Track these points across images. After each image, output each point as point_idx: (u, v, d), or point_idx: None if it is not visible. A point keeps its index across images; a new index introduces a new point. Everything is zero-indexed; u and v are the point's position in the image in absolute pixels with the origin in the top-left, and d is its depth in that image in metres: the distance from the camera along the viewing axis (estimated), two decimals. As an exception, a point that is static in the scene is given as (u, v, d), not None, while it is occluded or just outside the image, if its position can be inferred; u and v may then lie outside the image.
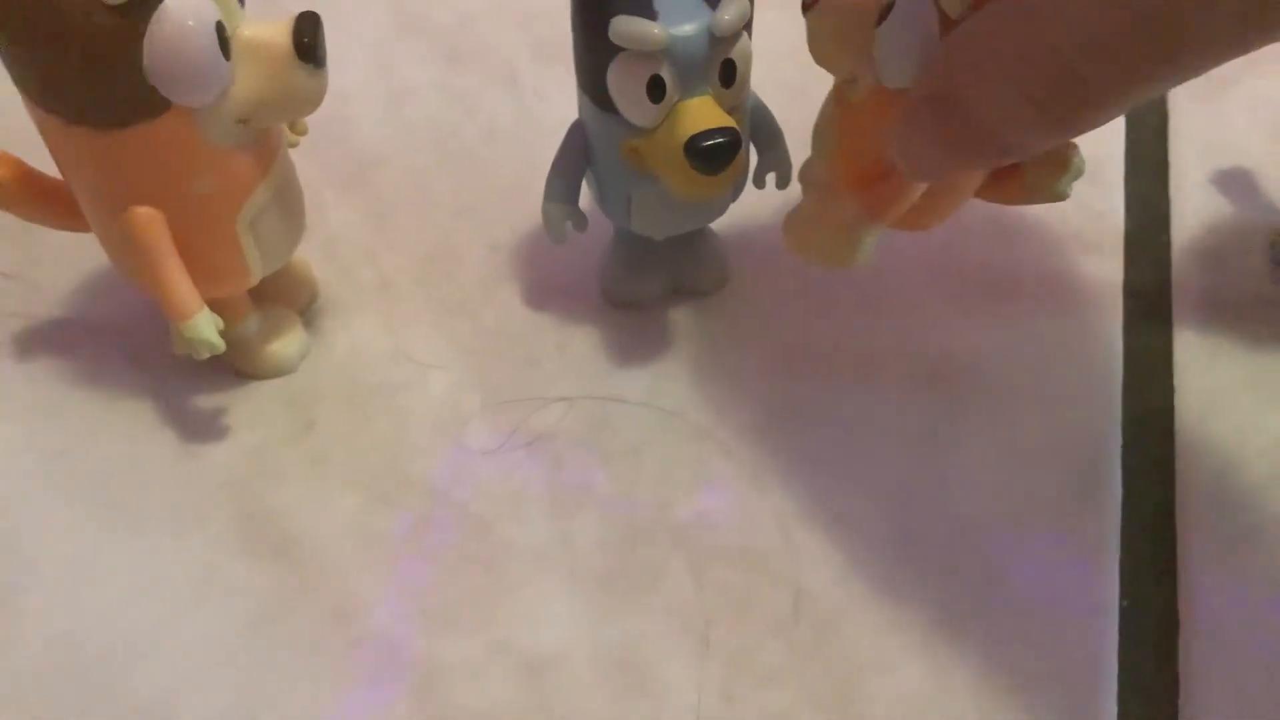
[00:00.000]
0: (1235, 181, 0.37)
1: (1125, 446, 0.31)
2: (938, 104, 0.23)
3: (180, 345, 0.27)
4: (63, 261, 0.34)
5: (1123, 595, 0.28)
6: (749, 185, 0.32)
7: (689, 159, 0.26)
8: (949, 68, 0.22)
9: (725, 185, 0.28)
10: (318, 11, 0.26)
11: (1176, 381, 0.32)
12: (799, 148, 0.31)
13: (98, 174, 0.26)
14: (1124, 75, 0.20)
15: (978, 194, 0.31)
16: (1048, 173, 0.30)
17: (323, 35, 0.25)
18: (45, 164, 0.28)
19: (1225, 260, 0.35)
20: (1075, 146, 0.30)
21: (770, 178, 0.32)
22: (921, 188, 0.28)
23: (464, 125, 0.38)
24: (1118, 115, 0.22)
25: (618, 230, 0.33)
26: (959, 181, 0.29)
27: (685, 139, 0.26)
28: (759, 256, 0.35)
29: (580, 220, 0.31)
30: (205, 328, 0.27)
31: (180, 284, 0.26)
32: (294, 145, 0.31)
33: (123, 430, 0.31)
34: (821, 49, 0.28)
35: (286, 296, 0.32)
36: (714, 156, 0.26)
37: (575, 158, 0.30)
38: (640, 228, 0.31)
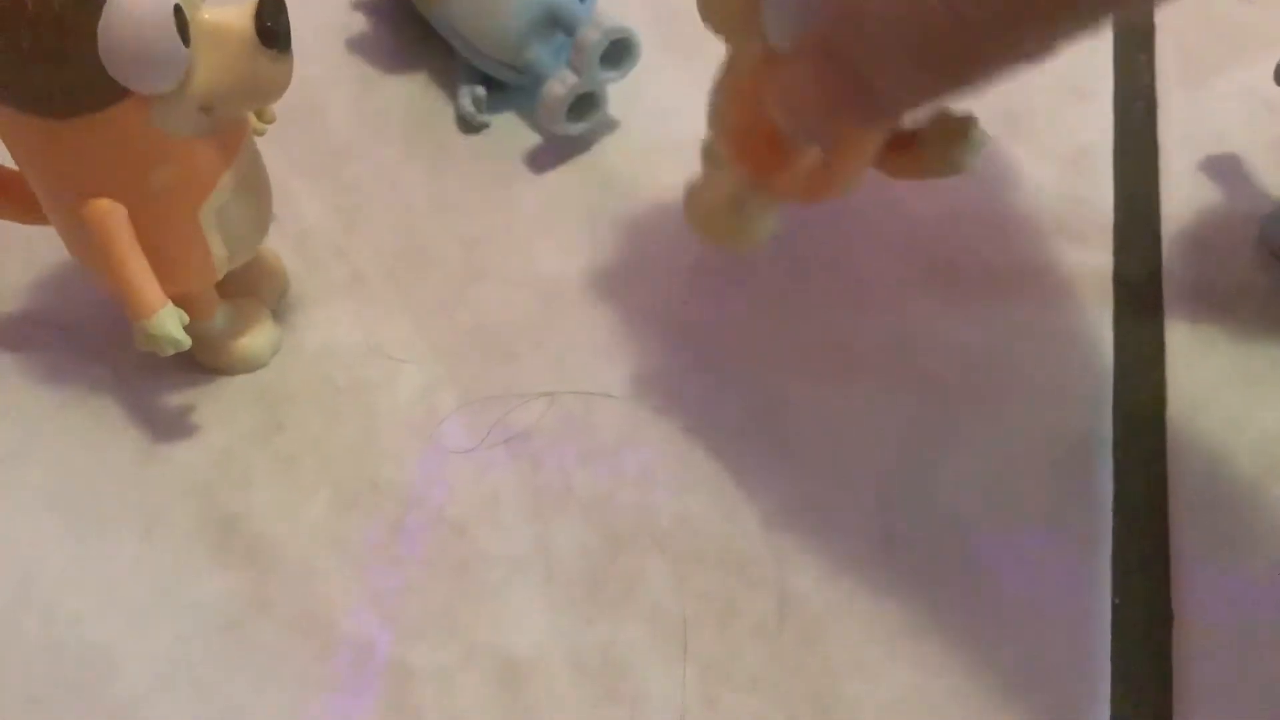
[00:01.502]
0: (1224, 169, 0.36)
1: (1116, 441, 0.30)
2: (818, 58, 0.22)
3: (143, 342, 0.26)
4: (21, 254, 0.33)
5: (1114, 592, 0.28)
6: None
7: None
8: (829, 19, 0.21)
9: None
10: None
11: (1168, 375, 0.32)
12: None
13: (53, 165, 0.25)
14: (1005, 14, 0.19)
15: (878, 167, 0.30)
16: (943, 143, 0.29)
17: (287, 19, 0.24)
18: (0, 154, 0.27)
19: (1215, 249, 0.34)
20: (973, 119, 0.29)
21: None
22: (810, 154, 0.27)
23: (438, 115, 0.37)
24: (1004, 70, 0.20)
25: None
26: (850, 147, 0.28)
27: None
28: (745, 257, 0.34)
29: None
30: (169, 324, 0.26)
31: (142, 279, 0.25)
32: (260, 134, 0.30)
33: (84, 430, 0.30)
34: (709, 8, 0.27)
35: (256, 288, 0.31)
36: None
37: None
38: None
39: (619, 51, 0.34)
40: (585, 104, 0.35)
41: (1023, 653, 0.27)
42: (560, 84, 0.33)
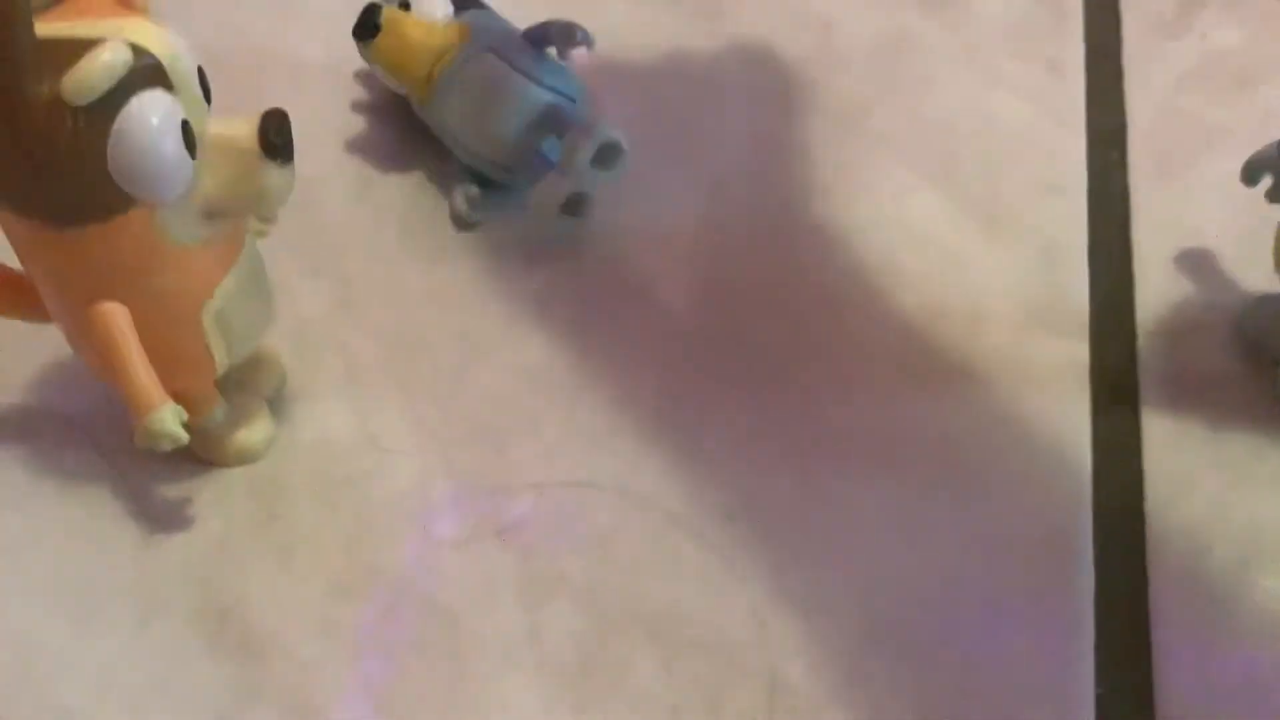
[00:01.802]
0: (1198, 262, 0.37)
1: (1096, 532, 0.31)
2: None
3: (143, 439, 0.27)
4: (24, 348, 0.34)
5: (1098, 682, 0.28)
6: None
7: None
8: None
9: None
10: (284, 109, 0.26)
11: (1145, 465, 0.32)
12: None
13: (59, 270, 0.26)
14: None
15: None
16: None
17: (289, 132, 0.26)
18: (5, 254, 0.28)
19: (1190, 340, 0.35)
20: None
21: None
22: None
23: (433, 212, 0.38)
24: None
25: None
26: None
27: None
28: (724, 343, 0.35)
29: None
30: (170, 421, 0.27)
31: (143, 378, 0.26)
32: (263, 235, 0.31)
33: (83, 520, 0.31)
34: None
35: (254, 382, 0.32)
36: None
37: None
38: None
39: (608, 154, 0.35)
40: (576, 203, 0.36)
41: (1009, 744, 0.27)
42: (552, 185, 0.35)
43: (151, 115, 0.24)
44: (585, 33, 0.36)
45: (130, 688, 0.28)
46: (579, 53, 0.37)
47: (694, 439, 0.33)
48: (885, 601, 0.29)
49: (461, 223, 0.38)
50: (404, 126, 0.40)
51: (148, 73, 0.24)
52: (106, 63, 0.23)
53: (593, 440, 0.32)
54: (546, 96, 0.35)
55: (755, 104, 0.41)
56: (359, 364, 0.34)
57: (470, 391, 0.34)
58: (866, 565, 0.30)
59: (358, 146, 0.40)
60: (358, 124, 0.41)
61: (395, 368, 0.34)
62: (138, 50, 0.24)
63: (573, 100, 0.36)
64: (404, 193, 0.39)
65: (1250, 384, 0.34)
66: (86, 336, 0.26)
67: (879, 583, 0.30)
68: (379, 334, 0.35)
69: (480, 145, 0.36)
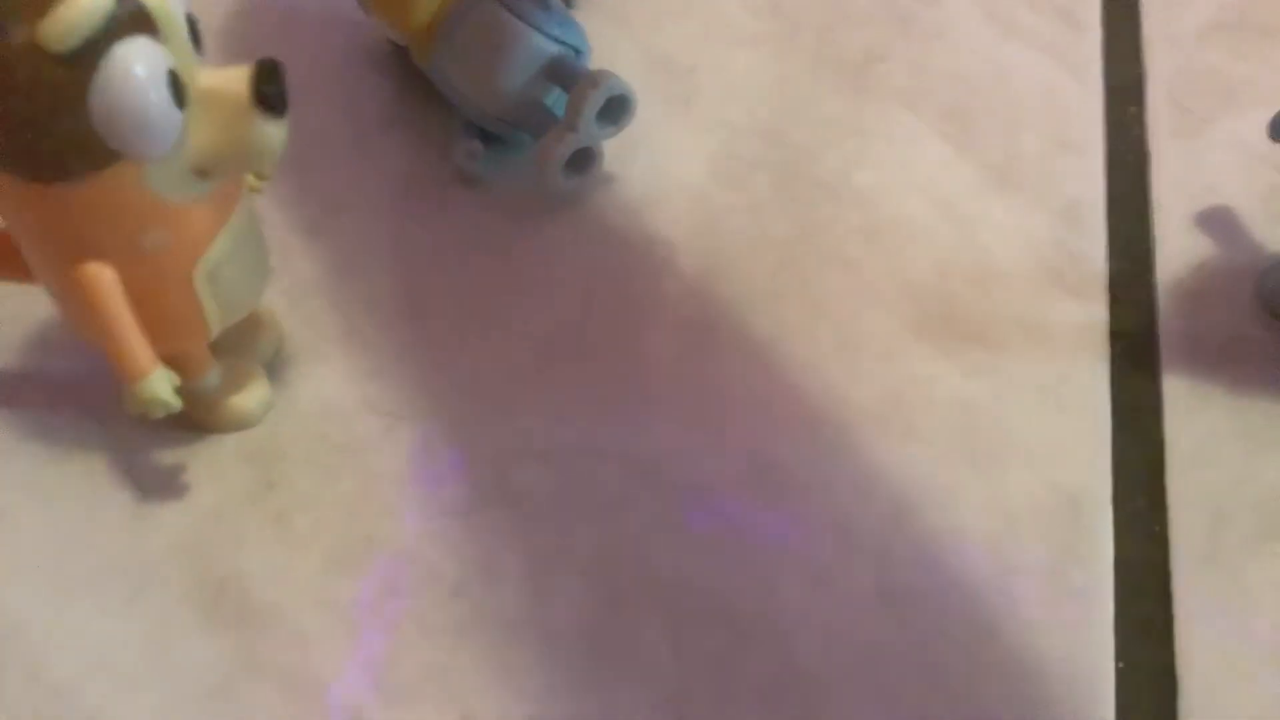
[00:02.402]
0: (1217, 221, 0.36)
1: (1115, 499, 0.30)
2: None
3: (133, 405, 0.26)
4: (11, 309, 0.33)
5: (1118, 656, 0.28)
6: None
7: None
8: None
9: None
10: (277, 58, 0.24)
11: (1166, 431, 0.32)
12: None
13: (43, 228, 0.25)
14: None
15: None
16: None
17: (284, 83, 0.24)
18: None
19: (1210, 302, 0.34)
20: None
21: None
22: None
23: (435, 168, 0.37)
24: None
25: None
26: None
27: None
28: (735, 303, 0.34)
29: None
30: (160, 387, 0.26)
31: (133, 342, 0.25)
32: (257, 191, 0.29)
33: (74, 488, 0.30)
34: None
35: (249, 346, 0.31)
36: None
37: None
38: None
39: (615, 107, 0.34)
40: (582, 159, 0.35)
41: (1027, 718, 0.26)
42: (556, 140, 0.33)
43: (136, 64, 0.22)
44: None
45: (122, 663, 0.27)
46: (585, 1, 0.36)
47: (703, 404, 0.32)
48: (899, 572, 0.29)
49: (464, 178, 0.36)
50: (403, 78, 0.39)
51: (132, 18, 0.23)
52: (87, 7, 0.22)
53: (600, 405, 0.31)
54: (552, 48, 0.34)
55: (765, 56, 0.40)
56: (358, 326, 0.33)
57: (474, 354, 0.33)
58: (879, 535, 0.29)
59: (356, 99, 0.39)
60: (355, 76, 0.39)
61: (396, 330, 0.33)
62: (121, -7, 0.22)
63: (578, 51, 0.35)
64: (404, 148, 0.37)
65: (1271, 347, 0.33)
66: (72, 299, 0.25)
67: (892, 553, 0.29)
68: (379, 295, 0.34)
69: (482, 98, 0.35)
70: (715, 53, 0.40)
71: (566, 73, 0.34)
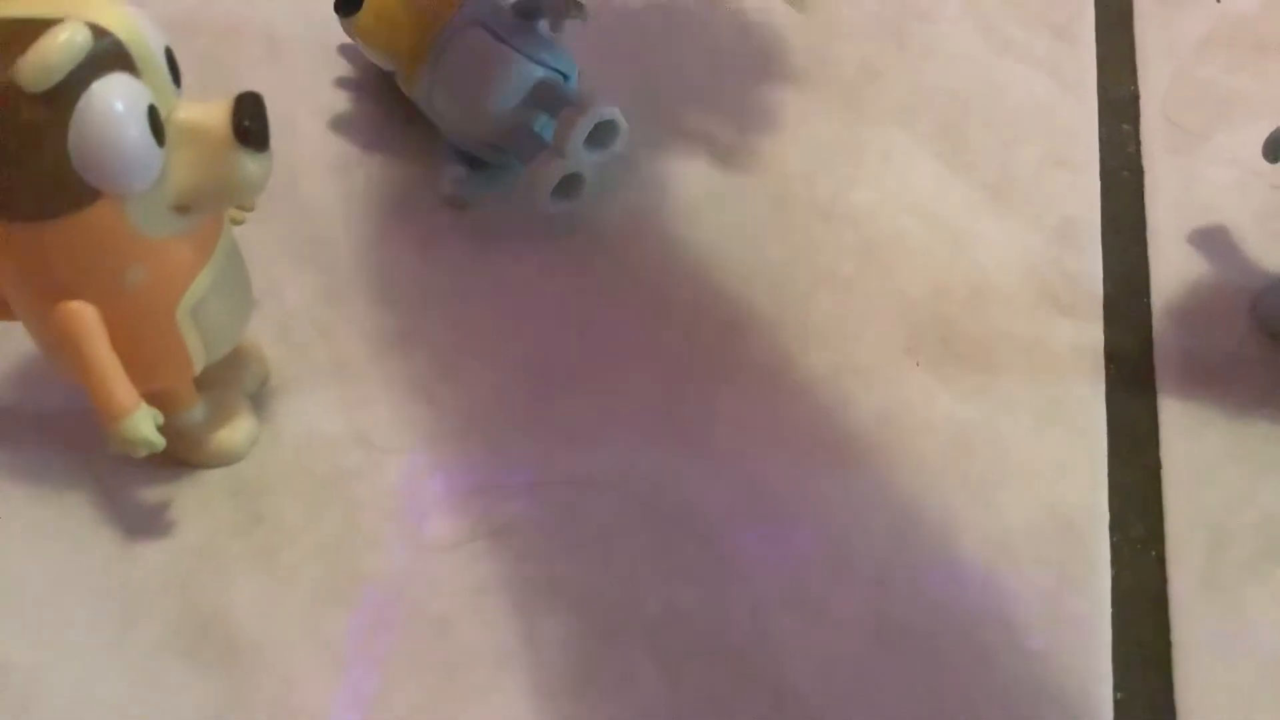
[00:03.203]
0: (1213, 240, 0.36)
1: (1112, 524, 0.30)
2: None
3: (116, 445, 0.25)
4: (-4, 343, 0.33)
5: (1116, 686, 0.27)
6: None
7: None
8: None
9: None
10: (258, 91, 0.24)
11: (1163, 453, 0.31)
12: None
13: (22, 267, 0.24)
14: None
15: None
16: None
17: (265, 116, 0.24)
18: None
19: (1206, 322, 0.34)
20: None
21: None
22: None
23: (422, 193, 0.37)
24: None
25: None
26: None
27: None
28: (728, 328, 0.33)
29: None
30: (143, 426, 0.25)
31: (114, 381, 0.25)
32: (239, 223, 0.29)
33: (57, 525, 0.29)
34: None
35: (234, 380, 0.30)
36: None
37: None
38: None
39: (603, 132, 0.33)
40: (570, 183, 0.34)
41: (1024, 750, 0.26)
42: (545, 165, 0.33)
43: (115, 101, 0.22)
44: (579, 5, 0.35)
45: (108, 702, 0.26)
46: (571, 25, 0.35)
47: (695, 433, 0.31)
48: (894, 601, 0.28)
49: (450, 204, 0.36)
50: (390, 104, 0.38)
51: (109, 55, 0.22)
52: (64, 45, 0.21)
53: (590, 435, 0.31)
54: (538, 72, 0.34)
55: (755, 75, 0.40)
56: (346, 356, 0.33)
57: (462, 384, 0.32)
58: (875, 563, 0.29)
59: (341, 126, 0.38)
60: (341, 102, 0.39)
61: (384, 360, 0.33)
62: (98, 30, 0.22)
63: (565, 76, 0.34)
64: (391, 174, 0.37)
65: (1268, 367, 0.33)
66: (53, 337, 0.25)
67: (887, 581, 0.29)
68: (366, 324, 0.33)
69: (469, 123, 0.34)
70: (703, 75, 0.40)
71: (554, 97, 0.33)
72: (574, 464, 0.31)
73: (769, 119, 0.39)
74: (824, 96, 0.39)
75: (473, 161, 0.35)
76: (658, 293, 0.34)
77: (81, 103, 0.22)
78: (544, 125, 0.34)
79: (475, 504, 0.30)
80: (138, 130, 0.22)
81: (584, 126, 0.32)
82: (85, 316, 0.24)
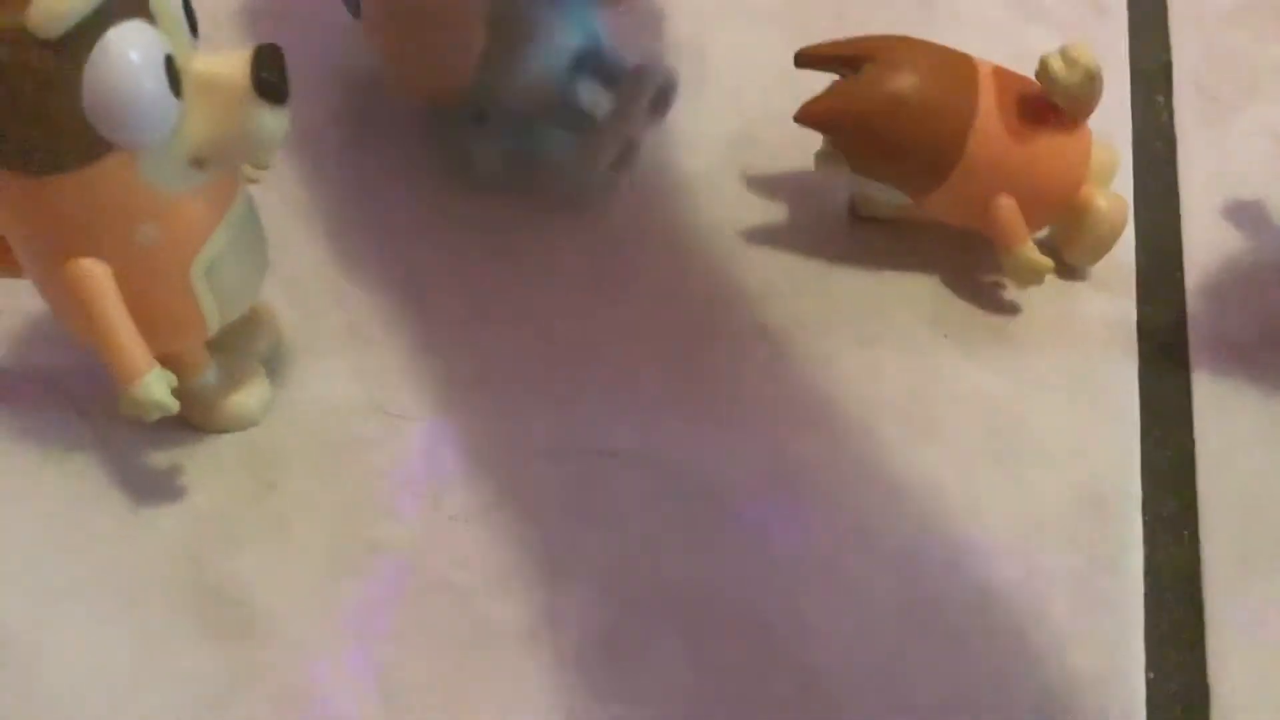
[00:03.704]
0: (1247, 212, 0.35)
1: (1144, 502, 0.29)
2: None
3: (128, 407, 0.25)
4: (1, 303, 0.32)
5: (1148, 665, 0.27)
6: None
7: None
8: None
9: None
10: (279, 44, 0.23)
11: (1196, 430, 0.31)
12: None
13: (34, 222, 0.24)
14: None
15: None
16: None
17: (284, 68, 0.23)
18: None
19: (1240, 297, 0.33)
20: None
21: None
22: None
23: (443, 156, 0.36)
24: None
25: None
26: None
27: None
28: (751, 297, 0.33)
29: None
30: (156, 388, 0.24)
31: (127, 342, 0.24)
32: (255, 181, 0.28)
33: (65, 490, 0.29)
34: None
35: (247, 343, 0.30)
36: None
37: None
38: None
39: (658, 98, 0.32)
40: (626, 154, 0.33)
41: (1055, 731, 0.26)
42: (606, 134, 0.32)
43: (130, 49, 0.21)
44: None
45: (116, 673, 0.26)
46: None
47: (718, 404, 0.31)
48: (922, 579, 0.28)
49: (488, 186, 0.35)
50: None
51: (125, 1, 0.21)
52: (77, -11, 0.20)
53: (613, 405, 0.30)
54: (576, 38, 0.32)
55: (781, 40, 0.39)
56: (362, 321, 0.32)
57: (481, 351, 0.31)
58: (902, 540, 0.28)
59: (361, 85, 0.37)
60: (362, 60, 0.38)
61: (401, 325, 0.32)
62: (114, -26, 0.21)
63: (598, 39, 0.33)
64: (410, 137, 0.36)
65: (1303, 343, 0.32)
66: (64, 296, 0.24)
67: (915, 559, 0.28)
68: (383, 289, 0.33)
69: (505, 92, 0.33)
70: (727, 35, 0.39)
71: (599, 63, 0.32)
72: (594, 434, 0.30)
73: (794, 85, 0.38)
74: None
75: (499, 134, 0.34)
76: (680, 260, 0.33)
77: (96, 51, 0.21)
78: (586, 89, 0.33)
79: (493, 474, 0.29)
80: (154, 81, 0.22)
81: (647, 92, 0.31)
82: (96, 275, 0.23)
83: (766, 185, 0.35)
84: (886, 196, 0.33)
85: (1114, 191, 0.32)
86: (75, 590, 0.27)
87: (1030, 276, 0.32)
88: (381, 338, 0.32)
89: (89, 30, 0.21)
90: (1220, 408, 0.31)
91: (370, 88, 0.37)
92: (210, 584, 0.27)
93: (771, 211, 0.35)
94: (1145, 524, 0.29)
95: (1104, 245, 0.32)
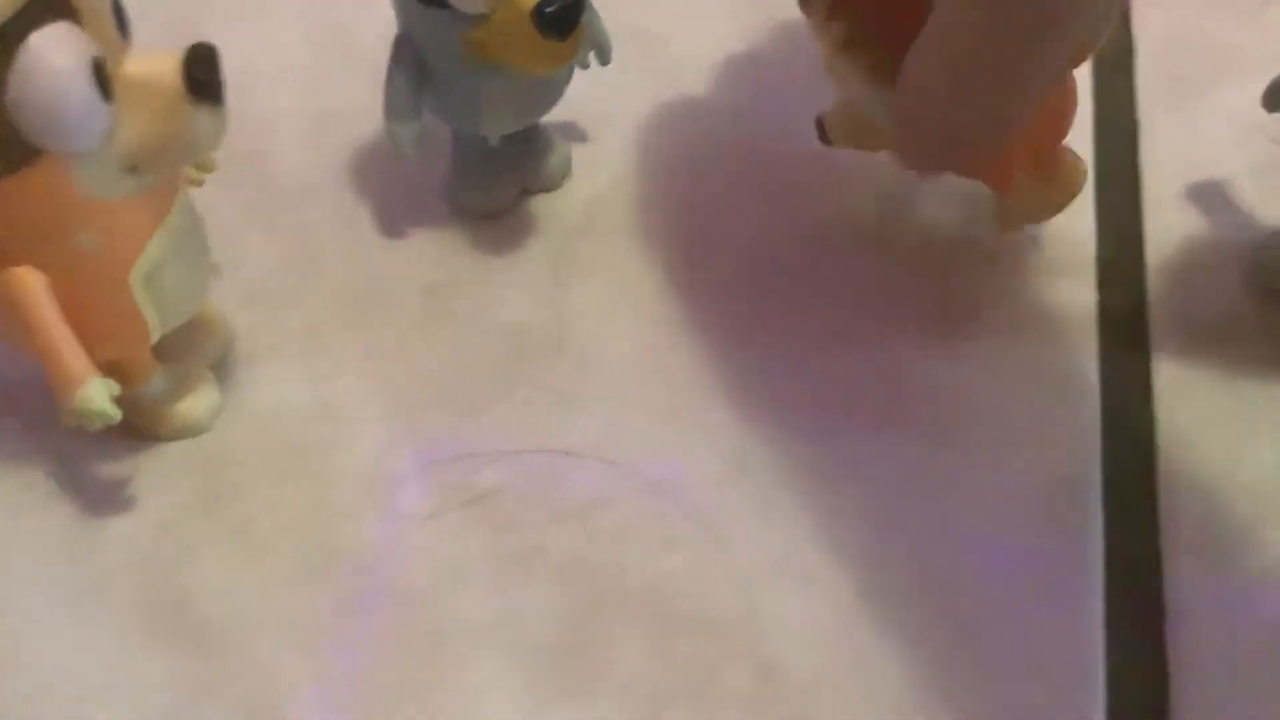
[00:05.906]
0: (1209, 195, 0.35)
1: (1106, 487, 0.29)
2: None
3: (69, 418, 0.24)
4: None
5: (1108, 654, 0.27)
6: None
7: (539, 27, 0.26)
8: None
9: (574, 51, 0.28)
10: (214, 43, 0.23)
11: (1157, 414, 0.30)
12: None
13: (-37, 232, 0.23)
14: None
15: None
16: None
17: (218, 70, 0.23)
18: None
19: (1203, 281, 0.33)
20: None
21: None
22: None
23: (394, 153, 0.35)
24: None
25: (458, 141, 0.33)
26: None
27: (530, 8, 0.26)
28: (710, 292, 0.32)
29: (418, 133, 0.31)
30: (97, 398, 0.24)
31: (65, 352, 0.24)
32: (199, 184, 0.28)
33: (12, 502, 0.28)
34: None
35: (195, 349, 0.29)
36: (563, 19, 0.27)
37: (412, 69, 0.30)
38: (490, 126, 0.31)
39: None
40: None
41: (1015, 718, 0.25)
42: None
43: (55, 54, 0.21)
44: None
45: (67, 690, 0.26)
46: None
47: (681, 398, 0.30)
48: (883, 571, 0.28)
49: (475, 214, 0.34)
50: (372, 67, 0.36)
51: (49, 3, 0.21)
52: (-5, -7, 0.20)
53: (571, 402, 0.30)
54: None
55: (739, 26, 0.38)
56: (314, 322, 0.32)
57: (437, 350, 0.31)
58: (861, 531, 0.28)
59: (316, 86, 0.37)
60: (313, 63, 0.37)
61: (354, 326, 0.31)
62: (35, -23, 0.21)
63: None
64: (365, 137, 0.36)
65: (1265, 328, 0.32)
66: (0, 305, 0.24)
67: (877, 550, 0.28)
68: (336, 289, 0.32)
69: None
70: (685, 23, 0.38)
71: None
72: (554, 432, 0.30)
73: (753, 74, 0.38)
74: (811, 48, 0.38)
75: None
76: (641, 255, 0.33)
77: (19, 55, 0.21)
78: None
79: (451, 474, 0.29)
80: (81, 86, 0.21)
81: None
82: (30, 283, 0.23)
83: (724, 180, 0.35)
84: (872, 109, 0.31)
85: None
86: (25, 604, 0.27)
87: (1032, 207, 0.31)
88: (335, 341, 0.31)
89: (9, 34, 0.20)
90: (1181, 390, 0.31)
91: (329, 87, 0.37)
92: (165, 595, 0.27)
93: (727, 206, 0.34)
94: (1106, 508, 0.29)
95: (1061, 204, 0.32)
